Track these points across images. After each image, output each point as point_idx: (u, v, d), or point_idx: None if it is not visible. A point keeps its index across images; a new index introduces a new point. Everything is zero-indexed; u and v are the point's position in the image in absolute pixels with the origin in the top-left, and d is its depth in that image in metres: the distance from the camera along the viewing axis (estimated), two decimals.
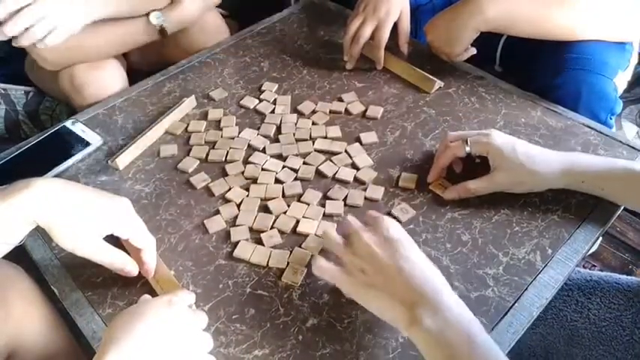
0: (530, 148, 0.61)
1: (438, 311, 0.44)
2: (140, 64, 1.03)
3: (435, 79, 0.81)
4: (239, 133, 0.76)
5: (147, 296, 0.49)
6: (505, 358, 0.43)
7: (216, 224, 0.64)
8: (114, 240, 0.53)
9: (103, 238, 0.51)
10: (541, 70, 0.79)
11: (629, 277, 0.66)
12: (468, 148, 0.63)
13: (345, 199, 0.66)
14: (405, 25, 0.84)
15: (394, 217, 0.63)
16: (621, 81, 0.77)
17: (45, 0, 0.69)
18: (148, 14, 0.85)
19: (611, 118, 0.78)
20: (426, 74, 0.81)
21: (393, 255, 0.48)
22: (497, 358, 0.42)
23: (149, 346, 0.42)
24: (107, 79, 0.87)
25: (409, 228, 0.62)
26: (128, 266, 0.54)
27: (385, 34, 0.82)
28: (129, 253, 0.55)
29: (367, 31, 0.82)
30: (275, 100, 0.82)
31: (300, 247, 0.61)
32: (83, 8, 0.75)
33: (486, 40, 0.81)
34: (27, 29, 0.69)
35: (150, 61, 0.99)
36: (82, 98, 0.86)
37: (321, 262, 0.51)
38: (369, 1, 0.82)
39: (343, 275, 0.49)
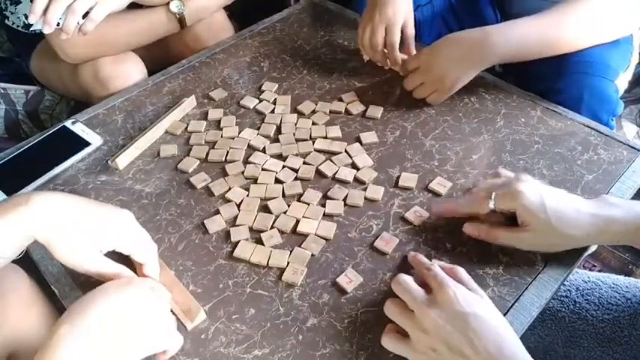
0: (561, 206, 0.54)
1: None
2: (144, 61, 1.04)
3: None
4: (239, 133, 0.76)
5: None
6: None
7: (216, 224, 0.64)
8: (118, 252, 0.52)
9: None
10: (542, 71, 0.79)
11: (626, 278, 0.66)
12: (492, 204, 0.56)
13: (345, 199, 0.66)
14: (410, 29, 0.83)
15: (433, 192, 0.64)
16: (622, 82, 0.77)
17: None
18: (168, 4, 0.87)
19: (612, 120, 0.78)
20: None
21: (464, 331, 0.45)
22: None
23: (105, 320, 0.43)
24: (131, 73, 0.89)
25: (409, 228, 0.62)
26: None
27: (396, 38, 0.81)
28: (132, 264, 0.55)
29: (379, 38, 0.81)
30: (275, 100, 0.82)
31: (300, 247, 0.61)
32: None
33: None
34: (69, 7, 0.66)
35: (154, 57, 1.00)
36: (107, 91, 0.87)
37: (390, 336, 0.49)
38: (375, 8, 0.82)
39: (415, 354, 0.47)
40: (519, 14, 0.73)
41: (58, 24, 0.65)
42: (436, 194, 0.66)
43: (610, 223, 0.53)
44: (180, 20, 0.89)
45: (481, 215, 0.59)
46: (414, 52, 0.85)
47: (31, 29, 1.01)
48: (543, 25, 0.71)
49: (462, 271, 0.52)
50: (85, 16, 0.68)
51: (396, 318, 0.49)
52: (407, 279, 0.50)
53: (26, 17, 1.00)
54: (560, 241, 0.55)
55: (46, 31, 0.65)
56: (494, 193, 0.56)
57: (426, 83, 0.77)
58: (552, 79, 0.77)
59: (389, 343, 0.50)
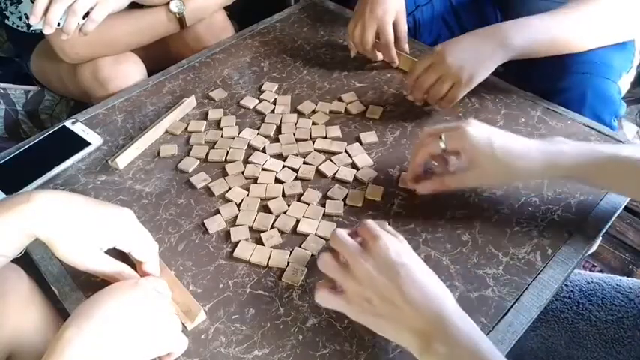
0: (508, 141, 0.57)
1: (448, 336, 0.43)
2: (144, 61, 1.04)
3: None
4: (239, 133, 0.76)
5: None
6: None
7: (216, 224, 0.64)
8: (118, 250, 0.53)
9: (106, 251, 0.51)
10: (544, 71, 0.79)
11: (629, 279, 0.66)
12: (443, 145, 0.59)
13: (345, 199, 0.66)
14: (403, 26, 0.84)
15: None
16: (624, 83, 0.77)
17: None
18: (168, 4, 0.87)
19: (614, 121, 0.78)
20: None
21: (395, 280, 0.45)
22: None
23: (111, 323, 0.43)
24: (130, 73, 0.89)
25: (409, 228, 0.62)
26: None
27: (390, 37, 0.81)
28: (133, 263, 0.55)
29: (370, 36, 0.81)
30: (275, 100, 0.82)
31: (300, 247, 0.61)
32: None
33: None
34: (69, 8, 0.66)
35: (154, 57, 1.00)
36: (106, 92, 0.87)
37: (324, 291, 0.49)
38: (366, 5, 0.82)
39: (349, 305, 0.48)
40: (520, 14, 0.73)
41: (58, 24, 0.65)
42: (436, 194, 0.66)
43: (559, 156, 0.56)
44: (181, 20, 0.89)
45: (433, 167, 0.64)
46: (407, 49, 0.85)
47: (31, 29, 1.01)
48: (556, 23, 0.71)
49: (387, 225, 0.52)
50: (85, 16, 0.68)
51: (331, 270, 0.49)
52: (343, 232, 0.50)
53: (27, 17, 1.00)
54: (510, 175, 0.58)
55: (47, 32, 0.65)
56: (443, 135, 0.59)
57: (443, 76, 0.72)
58: (554, 79, 0.77)
59: (323, 298, 0.49)
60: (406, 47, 0.86)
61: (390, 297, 0.45)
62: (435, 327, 0.44)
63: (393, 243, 0.48)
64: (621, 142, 0.71)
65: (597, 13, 0.71)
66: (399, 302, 0.45)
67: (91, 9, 0.68)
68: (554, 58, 0.74)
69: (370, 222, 0.51)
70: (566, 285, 0.67)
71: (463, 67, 0.70)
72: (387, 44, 0.82)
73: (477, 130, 0.57)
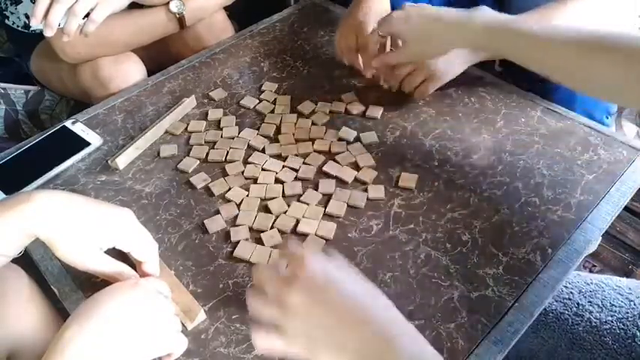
0: (425, 12, 0.67)
1: (401, 353, 0.39)
2: (144, 61, 1.04)
3: None
4: (239, 133, 0.76)
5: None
6: None
7: (216, 224, 0.64)
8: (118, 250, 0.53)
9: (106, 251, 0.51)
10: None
11: (629, 280, 0.66)
12: (377, 31, 0.72)
13: (346, 200, 0.66)
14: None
15: None
16: None
17: None
18: (167, 4, 0.87)
19: (607, 118, 0.78)
20: None
21: (333, 304, 0.41)
22: None
23: (112, 323, 0.43)
24: (131, 73, 0.89)
25: (409, 228, 0.62)
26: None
27: (366, 40, 0.78)
28: (133, 263, 0.55)
29: (349, 41, 0.80)
30: (275, 100, 0.82)
31: None
32: None
33: None
34: (69, 10, 0.65)
35: (154, 57, 1.00)
36: (107, 91, 0.87)
37: (261, 342, 0.43)
38: (350, 9, 0.81)
39: (289, 341, 0.42)
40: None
41: (59, 25, 0.65)
42: (437, 195, 0.66)
43: (473, 18, 0.62)
44: (180, 20, 0.89)
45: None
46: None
47: (31, 29, 1.01)
48: (534, 20, 0.70)
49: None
50: (85, 17, 0.68)
51: (261, 309, 0.44)
52: (262, 266, 0.46)
53: (27, 17, 1.00)
54: (431, 40, 0.67)
55: (48, 34, 0.65)
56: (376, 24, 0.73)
57: (417, 69, 0.76)
58: (544, 78, 0.77)
59: (262, 342, 0.43)
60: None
61: (330, 327, 0.41)
62: (386, 347, 0.39)
63: (316, 260, 0.44)
64: (621, 142, 0.71)
65: (581, 12, 0.71)
66: (345, 329, 0.40)
67: (92, 10, 0.68)
68: None
69: (291, 244, 0.46)
70: (565, 286, 0.67)
71: (437, 62, 0.75)
72: (363, 47, 0.78)
73: (398, 13, 0.69)
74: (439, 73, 0.76)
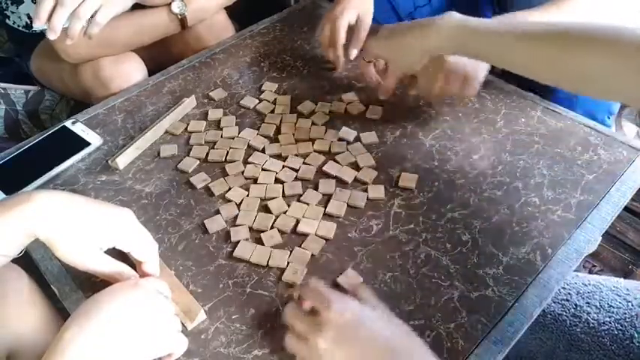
0: (398, 28, 0.68)
1: None
2: (144, 61, 1.05)
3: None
4: (239, 133, 0.76)
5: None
6: None
7: (216, 224, 0.64)
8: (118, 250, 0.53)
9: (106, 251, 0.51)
10: None
11: (627, 281, 0.66)
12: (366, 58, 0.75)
13: (346, 200, 0.66)
14: (360, 30, 0.81)
15: None
16: None
17: None
18: (169, 5, 0.87)
19: (608, 118, 0.78)
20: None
21: (360, 343, 0.43)
22: None
23: (112, 323, 0.43)
24: (132, 73, 0.89)
25: (409, 228, 0.62)
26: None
27: (336, 32, 0.78)
28: (133, 263, 0.55)
29: (325, 33, 0.81)
30: (275, 100, 0.82)
31: (300, 247, 0.61)
32: None
33: None
34: (73, 12, 0.66)
35: (154, 57, 1.00)
36: (107, 91, 0.87)
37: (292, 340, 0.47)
38: (331, 5, 0.81)
39: None
40: None
41: (63, 26, 0.65)
42: (437, 194, 0.66)
43: (436, 24, 0.63)
44: (182, 21, 0.89)
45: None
46: (354, 54, 0.82)
47: (32, 29, 1.01)
48: (534, 17, 0.70)
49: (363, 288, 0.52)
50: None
51: (295, 348, 0.48)
52: (292, 307, 0.50)
53: (28, 17, 1.00)
54: (410, 54, 0.67)
55: (51, 37, 0.65)
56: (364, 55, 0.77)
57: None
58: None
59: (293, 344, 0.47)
60: (352, 53, 0.81)
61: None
62: None
63: (345, 304, 0.46)
64: (621, 142, 0.71)
65: (581, 9, 0.70)
66: None
67: (95, 12, 0.68)
68: None
69: (315, 285, 0.49)
70: (563, 288, 0.67)
71: (457, 62, 0.72)
72: (333, 42, 0.79)
73: (374, 36, 0.71)
74: (469, 68, 0.70)
